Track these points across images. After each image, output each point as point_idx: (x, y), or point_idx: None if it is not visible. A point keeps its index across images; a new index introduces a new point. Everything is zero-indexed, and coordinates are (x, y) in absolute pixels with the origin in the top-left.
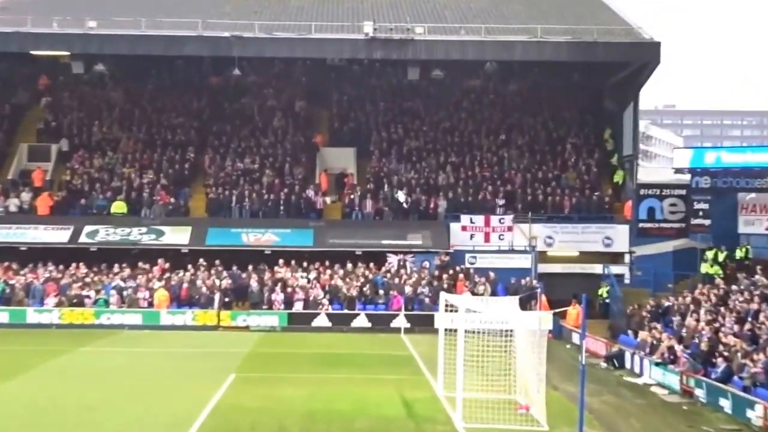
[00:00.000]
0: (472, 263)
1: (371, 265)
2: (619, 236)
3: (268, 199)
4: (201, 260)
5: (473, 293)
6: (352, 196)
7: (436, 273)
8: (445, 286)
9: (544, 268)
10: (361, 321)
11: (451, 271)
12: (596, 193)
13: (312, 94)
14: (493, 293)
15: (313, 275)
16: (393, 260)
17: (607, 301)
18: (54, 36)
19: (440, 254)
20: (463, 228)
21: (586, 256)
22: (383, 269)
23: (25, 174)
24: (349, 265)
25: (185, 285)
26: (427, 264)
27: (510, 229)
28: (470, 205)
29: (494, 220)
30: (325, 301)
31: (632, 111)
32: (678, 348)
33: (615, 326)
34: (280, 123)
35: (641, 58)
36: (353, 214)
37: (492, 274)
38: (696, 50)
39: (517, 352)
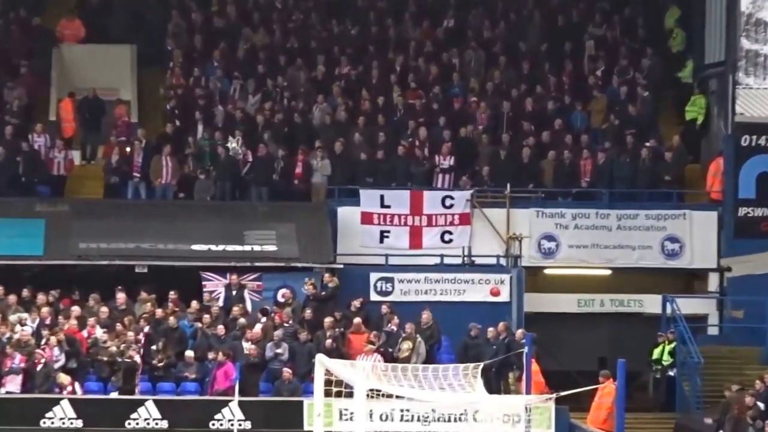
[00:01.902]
0: (384, 292)
1: (170, 296)
2: (697, 235)
3: None
4: None
5: (387, 357)
6: (128, 150)
7: (309, 314)
8: (328, 342)
9: (539, 301)
10: (149, 415)
11: (338, 314)
12: (649, 144)
13: None
14: (431, 358)
15: (40, 319)
16: (216, 287)
17: (672, 373)
18: None
19: (317, 274)
20: (366, 217)
21: (628, 278)
22: (194, 306)
23: None
24: (121, 297)
25: None
26: (286, 294)
27: (465, 219)
28: (380, 168)
29: (432, 199)
30: (67, 379)
31: None
32: None
33: (688, 425)
34: None
35: None
36: (129, 187)
37: (427, 317)
38: None
39: None
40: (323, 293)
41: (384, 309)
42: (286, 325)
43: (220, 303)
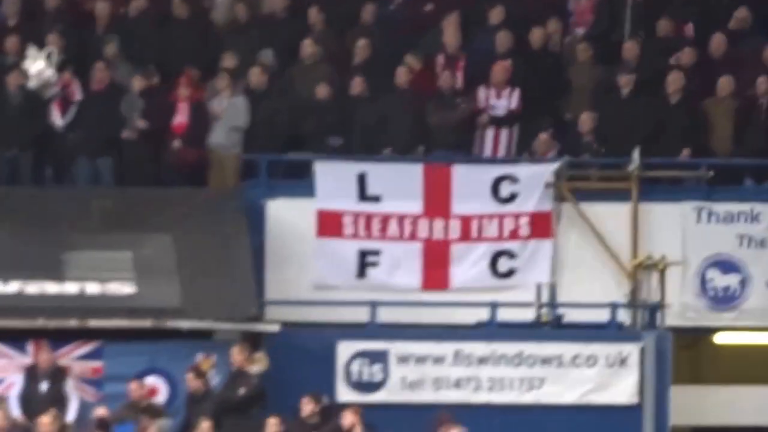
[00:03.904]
0: (366, 384)
1: None
2: None
3: None
4: None
5: None
6: None
7: (205, 431)
8: None
9: (705, 403)
10: None
11: (276, 427)
12: None
13: None
14: None
15: None
16: (6, 372)
17: None
18: None
19: (220, 346)
20: (329, 222)
21: None
22: None
23: None
24: None
25: None
26: (154, 389)
27: (543, 225)
28: (358, 114)
29: (471, 182)
30: None
31: None
32: None
33: None
34: None
35: None
36: None
37: None
38: None
39: None
40: (238, 388)
41: (348, 420)
42: None
43: (15, 407)
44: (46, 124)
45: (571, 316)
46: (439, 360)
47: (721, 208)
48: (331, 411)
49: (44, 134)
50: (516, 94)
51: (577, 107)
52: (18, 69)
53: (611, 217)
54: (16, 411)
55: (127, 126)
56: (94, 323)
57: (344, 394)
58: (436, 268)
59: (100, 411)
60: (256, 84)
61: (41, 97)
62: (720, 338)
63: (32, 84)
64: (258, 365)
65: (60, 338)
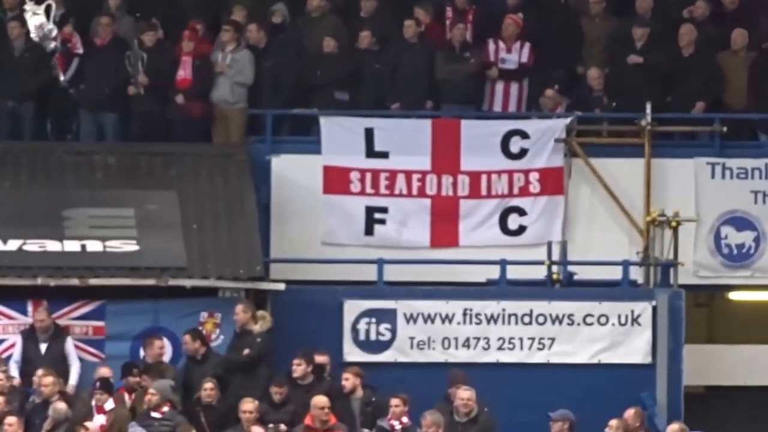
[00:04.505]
0: (373, 343)
1: None
2: None
3: None
4: None
5: None
6: None
7: (209, 391)
8: None
9: (718, 364)
10: None
11: (279, 390)
12: None
13: None
14: None
15: None
16: (4, 334)
17: None
18: None
19: (224, 303)
20: (335, 178)
21: None
22: None
23: None
24: None
25: None
26: (159, 349)
27: (554, 182)
28: (366, 67)
29: (481, 138)
30: None
31: None
32: None
33: None
34: None
35: None
36: None
37: (467, 398)
38: None
39: None
40: (242, 348)
41: (348, 380)
42: (155, 415)
43: (13, 370)
44: (50, 77)
45: (583, 273)
46: (447, 319)
47: (735, 163)
48: (323, 368)
49: (47, 88)
50: (527, 47)
51: (590, 61)
52: (18, 20)
53: (623, 172)
54: (16, 373)
55: (132, 81)
56: (96, 282)
57: (351, 353)
58: (444, 225)
59: (103, 371)
60: (255, 40)
61: (43, 49)
62: (734, 297)
63: (35, 36)
64: (262, 324)
65: (61, 297)
